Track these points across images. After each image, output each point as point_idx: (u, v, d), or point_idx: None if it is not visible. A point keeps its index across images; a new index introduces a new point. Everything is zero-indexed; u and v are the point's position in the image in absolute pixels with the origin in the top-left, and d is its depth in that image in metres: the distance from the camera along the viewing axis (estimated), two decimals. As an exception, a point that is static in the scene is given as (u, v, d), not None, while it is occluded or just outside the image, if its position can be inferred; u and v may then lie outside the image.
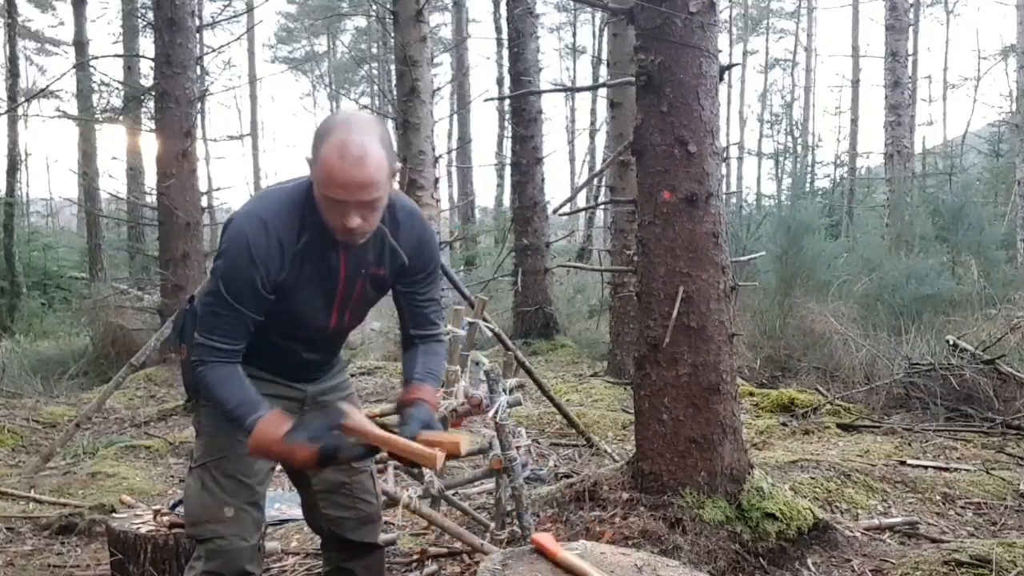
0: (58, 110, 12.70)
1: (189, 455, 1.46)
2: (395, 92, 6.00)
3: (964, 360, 4.01)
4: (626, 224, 5.13)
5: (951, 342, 4.25)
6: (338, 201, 1.19)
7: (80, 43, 10.26)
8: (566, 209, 5.87)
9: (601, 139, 16.90)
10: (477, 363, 2.50)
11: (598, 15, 16.35)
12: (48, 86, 12.76)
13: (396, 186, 1.29)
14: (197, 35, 5.96)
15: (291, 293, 1.29)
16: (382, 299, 1.47)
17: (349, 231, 1.21)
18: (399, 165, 1.26)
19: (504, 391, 2.16)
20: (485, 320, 2.82)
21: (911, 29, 10.74)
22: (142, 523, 1.98)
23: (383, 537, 2.33)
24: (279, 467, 1.53)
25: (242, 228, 1.23)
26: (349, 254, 1.30)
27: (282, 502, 2.54)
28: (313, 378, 1.47)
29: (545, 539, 1.35)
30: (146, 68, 8.86)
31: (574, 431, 3.70)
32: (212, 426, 1.38)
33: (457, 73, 15.30)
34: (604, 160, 11.53)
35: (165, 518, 1.99)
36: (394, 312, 1.49)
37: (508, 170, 9.89)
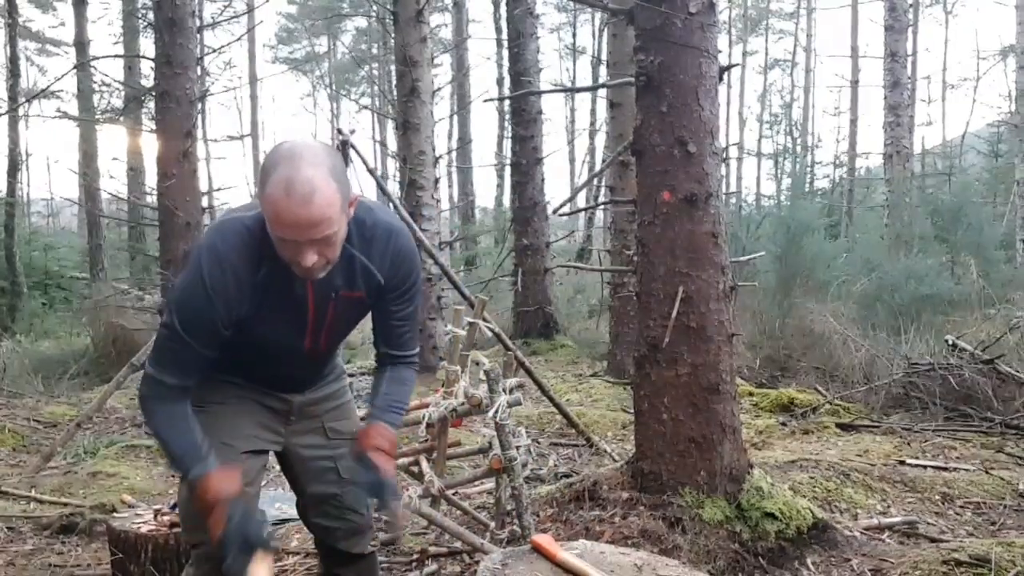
0: (59, 110, 12.72)
1: None
2: (395, 92, 6.01)
3: (963, 360, 4.02)
4: (626, 224, 5.14)
5: (950, 342, 4.25)
6: (289, 240, 1.13)
7: (81, 43, 10.27)
8: (566, 209, 5.88)
9: (601, 139, 16.93)
10: (477, 363, 2.50)
11: (598, 16, 16.36)
12: (49, 86, 12.77)
13: (351, 213, 1.20)
14: (198, 35, 5.96)
15: (255, 325, 1.25)
16: None
17: (305, 270, 1.16)
18: (357, 193, 1.20)
19: (504, 391, 2.16)
20: (485, 320, 2.82)
21: (910, 29, 10.74)
22: (143, 523, 1.99)
23: (383, 537, 2.34)
24: (277, 467, 1.54)
25: (199, 263, 1.19)
26: (315, 281, 1.24)
27: (283, 501, 2.54)
28: (300, 390, 1.44)
29: (544, 540, 1.35)
30: (147, 68, 8.86)
31: (574, 431, 3.70)
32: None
33: (457, 73, 15.31)
34: (604, 160, 11.53)
35: (165, 517, 1.99)
36: (353, 325, 1.42)
37: (508, 170, 9.89)
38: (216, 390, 1.37)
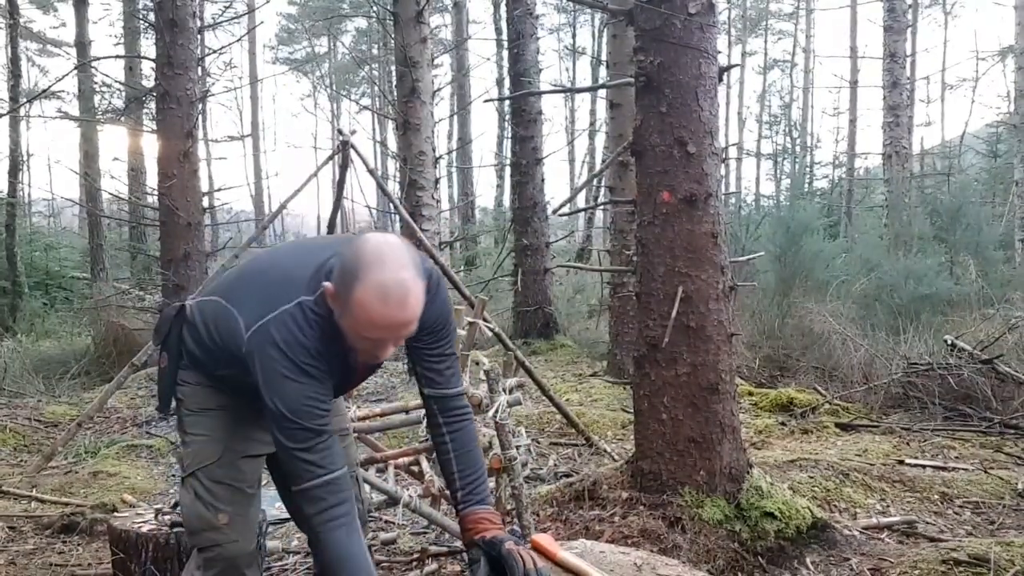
0: (60, 111, 12.72)
1: (179, 464, 1.45)
2: (395, 93, 6.01)
3: (962, 360, 4.02)
4: (625, 224, 5.14)
5: (949, 342, 4.26)
6: (378, 338, 1.15)
7: (82, 44, 10.27)
8: (566, 209, 5.88)
9: (601, 140, 16.92)
10: (477, 363, 2.51)
11: (598, 16, 16.36)
12: (50, 87, 12.77)
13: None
14: (198, 36, 5.97)
15: None
16: None
17: (380, 358, 1.20)
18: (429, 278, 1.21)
19: (504, 391, 2.17)
20: (485, 320, 2.83)
21: (909, 30, 10.72)
22: (143, 522, 1.99)
23: (383, 536, 2.34)
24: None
25: (292, 359, 1.17)
26: None
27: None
28: None
29: (544, 539, 1.35)
30: (147, 69, 8.87)
31: (574, 431, 3.71)
32: (197, 433, 1.38)
33: (457, 74, 15.31)
34: (604, 161, 11.54)
35: (166, 517, 2.00)
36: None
37: (508, 170, 9.90)
38: (214, 396, 1.38)
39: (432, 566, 2.18)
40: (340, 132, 3.75)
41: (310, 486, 1.19)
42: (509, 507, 2.26)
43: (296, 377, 1.17)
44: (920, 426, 3.72)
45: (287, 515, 2.47)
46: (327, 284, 1.17)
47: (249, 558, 1.36)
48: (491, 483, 2.47)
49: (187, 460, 1.39)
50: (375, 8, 8.91)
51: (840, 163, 17.33)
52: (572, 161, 19.84)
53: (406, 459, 2.40)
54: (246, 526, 1.36)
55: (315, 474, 1.18)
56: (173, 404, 1.42)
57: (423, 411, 2.33)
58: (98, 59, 10.07)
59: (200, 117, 6.07)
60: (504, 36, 11.39)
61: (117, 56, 10.75)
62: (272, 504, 2.52)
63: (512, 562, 1.22)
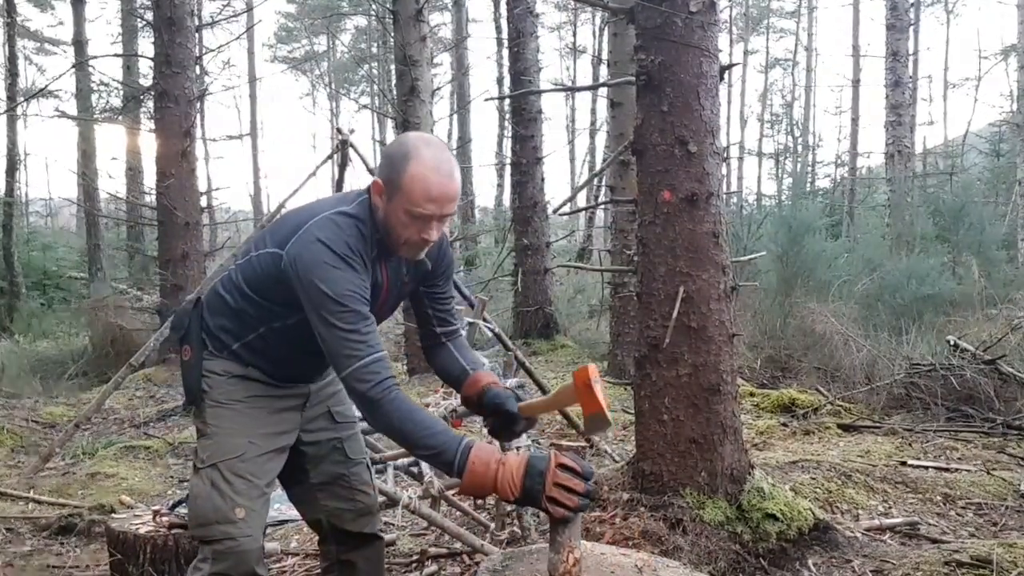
0: (57, 110, 12.70)
1: (194, 455, 1.42)
2: (395, 92, 6.00)
3: (965, 360, 4.01)
4: (626, 224, 5.13)
5: (952, 342, 4.24)
6: (426, 216, 1.24)
7: (79, 43, 10.26)
8: (566, 209, 5.87)
9: (601, 139, 16.91)
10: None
11: (598, 15, 16.35)
12: (47, 86, 12.76)
13: None
14: (196, 35, 5.96)
15: None
16: None
17: (426, 243, 1.27)
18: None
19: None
20: (485, 320, 2.81)
21: (911, 29, 10.73)
22: (141, 523, 1.98)
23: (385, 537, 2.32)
24: None
25: (335, 247, 1.23)
26: (390, 268, 1.36)
27: (282, 502, 2.53)
28: (317, 378, 1.50)
29: (592, 371, 1.30)
30: (145, 68, 8.86)
31: (574, 431, 3.69)
32: (220, 426, 1.38)
33: (457, 73, 15.30)
34: (604, 160, 11.53)
35: (164, 518, 1.98)
36: (395, 310, 1.51)
37: (508, 170, 9.89)
38: (241, 387, 1.39)
39: (432, 567, 2.16)
40: (339, 131, 3.73)
41: (363, 364, 1.22)
42: (509, 508, 2.25)
43: (340, 265, 1.23)
44: (922, 427, 3.71)
45: (286, 517, 2.46)
46: (375, 179, 1.28)
47: (259, 554, 1.36)
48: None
49: (207, 451, 1.38)
50: (374, 6, 8.89)
51: (842, 162, 17.33)
52: (573, 160, 19.85)
53: (406, 460, 2.38)
54: (259, 523, 1.37)
55: (366, 352, 1.22)
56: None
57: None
58: (96, 57, 10.08)
59: (198, 116, 6.06)
60: (504, 34, 11.38)
61: (115, 55, 10.75)
62: (272, 505, 2.50)
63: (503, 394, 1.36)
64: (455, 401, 2.25)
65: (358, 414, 1.58)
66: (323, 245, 1.23)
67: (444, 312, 1.47)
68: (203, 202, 5.87)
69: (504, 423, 1.35)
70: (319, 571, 2.12)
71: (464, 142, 15.33)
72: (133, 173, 10.16)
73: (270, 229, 1.39)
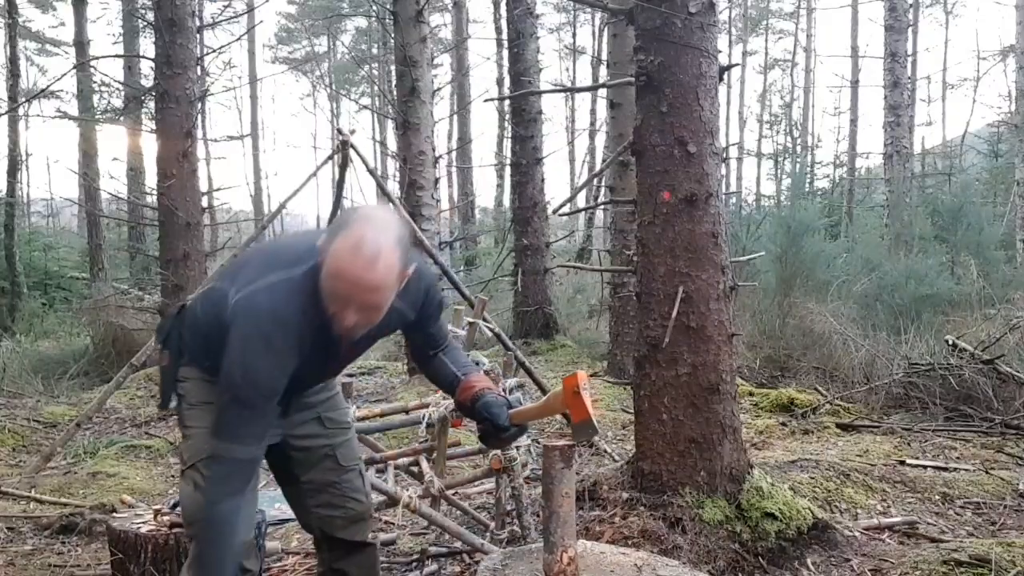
0: (59, 110, 12.70)
1: (179, 457, 1.45)
2: (395, 92, 6.00)
3: (963, 360, 4.01)
4: (626, 224, 5.13)
5: (950, 342, 4.25)
6: (342, 296, 1.16)
7: (80, 43, 10.27)
8: (566, 209, 5.88)
9: (601, 139, 16.91)
10: (477, 363, 2.50)
11: (598, 16, 16.36)
12: (49, 86, 12.76)
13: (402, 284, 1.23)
14: (197, 35, 5.96)
15: (296, 370, 1.28)
16: None
17: (344, 329, 1.20)
18: (411, 269, 1.23)
19: (504, 391, 2.15)
20: (485, 320, 2.82)
21: (910, 29, 10.74)
22: (143, 523, 1.98)
23: (383, 537, 2.34)
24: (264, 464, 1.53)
25: (264, 332, 1.20)
26: None
27: (283, 502, 2.53)
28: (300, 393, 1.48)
29: (581, 378, 1.27)
30: (147, 68, 8.86)
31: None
32: (197, 426, 1.38)
33: (457, 73, 15.30)
34: (604, 160, 11.53)
35: (166, 518, 1.99)
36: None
37: (508, 170, 9.88)
38: (213, 390, 1.37)
39: (432, 567, 2.17)
40: (340, 132, 3.74)
41: (223, 452, 1.23)
42: (509, 507, 2.26)
43: (261, 349, 1.20)
44: (921, 426, 3.71)
45: (287, 516, 2.47)
46: (320, 240, 1.20)
47: (246, 549, 1.36)
48: (491, 483, 2.48)
49: (188, 452, 1.40)
50: (375, 7, 8.90)
51: (841, 163, 17.32)
52: (572, 161, 19.84)
53: (406, 459, 2.39)
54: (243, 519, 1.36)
55: (232, 447, 1.22)
56: (174, 401, 1.44)
57: (423, 411, 2.34)
58: (97, 58, 10.08)
59: (199, 117, 6.07)
60: (504, 35, 11.38)
61: (116, 55, 10.76)
62: (272, 505, 2.52)
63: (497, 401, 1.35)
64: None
65: (351, 419, 1.59)
66: (258, 319, 1.20)
67: (434, 340, 1.45)
68: (204, 202, 5.87)
69: (494, 430, 1.35)
70: (318, 570, 2.14)
71: (464, 142, 15.32)
72: (134, 173, 10.17)
73: (241, 262, 1.38)
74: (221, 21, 10.72)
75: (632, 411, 2.34)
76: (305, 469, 1.49)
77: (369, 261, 1.13)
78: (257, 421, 1.24)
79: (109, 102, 11.09)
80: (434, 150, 6.00)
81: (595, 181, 10.41)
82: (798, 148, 18.13)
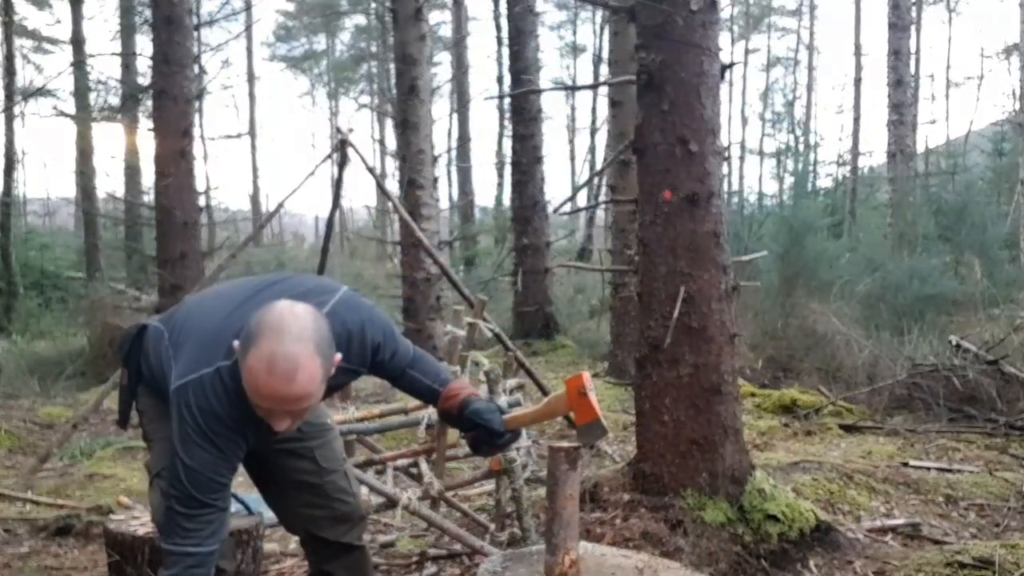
0: (55, 108, 12.67)
1: (145, 467, 1.44)
2: (394, 91, 5.99)
3: (967, 361, 4.00)
4: (627, 224, 5.11)
5: (954, 342, 4.23)
6: (266, 409, 1.15)
7: (77, 41, 10.25)
8: (566, 208, 5.86)
9: (602, 138, 16.87)
10: (477, 363, 2.48)
11: (599, 13, 16.32)
12: (45, 84, 12.75)
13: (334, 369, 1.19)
14: (195, 33, 5.94)
15: (249, 448, 1.28)
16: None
17: (282, 429, 1.18)
18: (338, 356, 1.20)
19: (504, 391, 2.14)
20: (485, 320, 2.80)
21: (913, 27, 10.72)
22: (139, 524, 1.96)
23: (381, 539, 2.32)
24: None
25: (199, 428, 1.19)
26: None
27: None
28: None
29: (587, 379, 1.24)
30: (144, 66, 8.83)
31: (574, 431, 3.68)
32: (159, 436, 1.36)
33: (457, 71, 15.27)
34: (605, 159, 11.51)
35: (161, 520, 1.97)
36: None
37: (508, 169, 9.87)
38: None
39: (431, 569, 2.15)
40: (338, 130, 3.72)
41: (174, 550, 1.21)
42: (509, 509, 2.24)
43: (203, 445, 1.19)
44: (924, 428, 3.70)
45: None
46: (235, 343, 1.16)
47: (222, 548, 1.33)
48: (491, 485, 2.46)
49: (153, 460, 1.40)
50: (374, 5, 8.87)
51: (844, 162, 17.25)
52: (573, 160, 19.83)
53: (405, 461, 2.37)
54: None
55: (183, 544, 1.21)
56: (133, 419, 1.44)
57: (422, 413, 2.32)
58: (94, 56, 10.08)
59: (197, 115, 6.04)
60: (504, 33, 11.35)
61: (113, 53, 10.75)
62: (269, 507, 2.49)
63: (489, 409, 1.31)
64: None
65: (330, 421, 1.56)
66: (193, 418, 1.19)
67: (398, 367, 1.38)
68: (202, 201, 5.85)
69: (487, 436, 1.31)
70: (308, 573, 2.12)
71: (464, 141, 15.30)
72: (131, 172, 10.15)
73: (187, 320, 1.32)
74: (219, 19, 10.69)
75: (633, 412, 2.32)
76: (283, 474, 1.47)
77: (286, 377, 1.09)
78: (210, 518, 1.22)
79: (106, 100, 11.07)
80: (433, 148, 5.98)
81: (596, 180, 10.40)
82: (800, 147, 18.08)
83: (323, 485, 1.47)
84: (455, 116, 16.10)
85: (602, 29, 15.83)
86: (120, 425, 1.44)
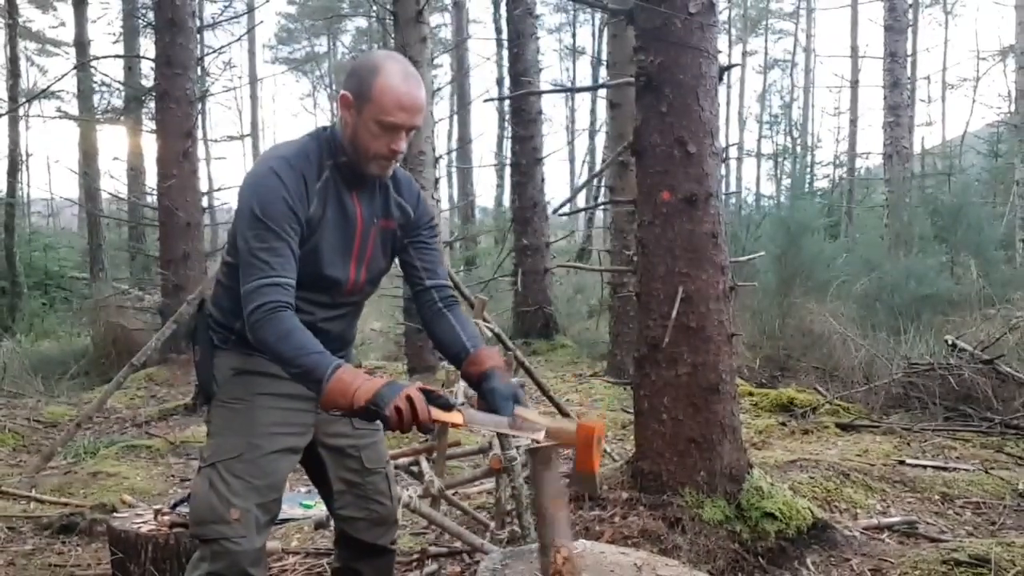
0: (59, 110, 12.72)
1: (199, 454, 1.44)
2: (395, 92, 5.99)
3: (963, 360, 4.01)
4: (626, 224, 5.14)
5: (950, 342, 4.25)
6: (395, 126, 1.27)
7: (81, 44, 10.27)
8: (566, 209, 5.88)
9: (601, 139, 16.93)
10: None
11: (598, 16, 16.36)
12: (49, 87, 12.78)
13: None
14: (198, 36, 5.97)
15: (314, 232, 1.31)
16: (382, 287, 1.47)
17: (395, 154, 1.29)
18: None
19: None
20: (485, 320, 2.82)
21: (910, 30, 10.74)
22: (143, 523, 1.99)
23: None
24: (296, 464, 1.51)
25: (267, 164, 1.28)
26: (362, 198, 1.37)
27: (284, 501, 2.54)
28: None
29: (598, 427, 1.21)
30: (147, 69, 8.86)
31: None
32: (222, 426, 1.37)
33: (457, 74, 15.30)
34: (604, 160, 11.53)
35: (166, 518, 1.99)
36: (394, 311, 1.51)
37: (508, 170, 9.89)
38: (246, 384, 1.37)
39: (432, 566, 2.17)
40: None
41: (260, 284, 1.23)
42: (509, 507, 2.26)
43: (270, 182, 1.26)
44: (921, 426, 3.71)
45: (286, 516, 2.47)
46: (343, 92, 1.30)
47: (255, 556, 1.34)
48: (491, 483, 2.48)
49: (209, 450, 1.38)
50: (375, 7, 8.90)
51: (841, 163, 17.31)
52: (572, 161, 19.86)
53: (405, 459, 2.40)
54: (256, 525, 1.35)
55: (267, 273, 1.23)
56: (216, 389, 1.42)
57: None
58: (97, 58, 10.08)
59: (199, 117, 6.07)
60: (504, 36, 11.38)
61: (116, 56, 10.75)
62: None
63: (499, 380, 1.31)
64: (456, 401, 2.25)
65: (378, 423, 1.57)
66: (261, 166, 1.28)
67: (431, 263, 1.45)
68: (204, 202, 5.88)
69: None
70: (319, 571, 2.14)
71: (464, 143, 15.32)
72: (135, 173, 10.17)
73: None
74: (221, 21, 10.72)
75: (632, 411, 2.34)
76: (332, 468, 1.48)
77: (418, 84, 1.27)
78: (272, 252, 1.24)
79: (109, 102, 11.11)
80: (434, 150, 6.00)
81: (595, 181, 10.42)
82: (798, 148, 18.12)
83: (364, 485, 1.48)
84: (455, 118, 16.14)
85: (601, 32, 15.89)
86: (204, 401, 1.43)
